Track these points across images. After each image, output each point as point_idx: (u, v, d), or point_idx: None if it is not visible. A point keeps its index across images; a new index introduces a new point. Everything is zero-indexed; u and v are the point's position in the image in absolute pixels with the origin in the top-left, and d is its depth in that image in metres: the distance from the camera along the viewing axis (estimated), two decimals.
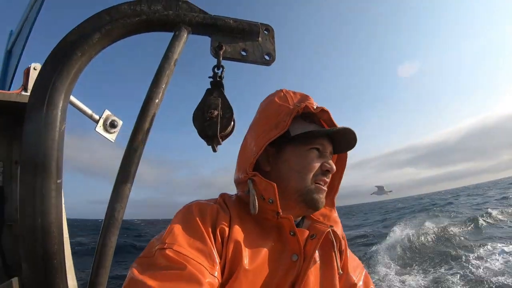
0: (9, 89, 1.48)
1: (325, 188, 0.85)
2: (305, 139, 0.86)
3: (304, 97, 0.90)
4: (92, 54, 1.16)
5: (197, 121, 1.14)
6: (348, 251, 1.00)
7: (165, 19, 1.21)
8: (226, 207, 0.82)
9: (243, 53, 1.29)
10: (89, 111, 1.71)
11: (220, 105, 1.12)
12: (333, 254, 0.87)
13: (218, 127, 0.96)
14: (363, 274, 1.00)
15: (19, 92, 1.32)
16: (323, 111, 0.89)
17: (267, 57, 1.35)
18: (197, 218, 0.74)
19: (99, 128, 1.74)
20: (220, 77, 1.27)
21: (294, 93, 0.91)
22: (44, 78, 1.07)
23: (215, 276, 0.65)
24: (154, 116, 1.08)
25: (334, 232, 0.88)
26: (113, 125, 1.78)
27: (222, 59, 1.26)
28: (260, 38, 1.31)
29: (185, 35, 1.22)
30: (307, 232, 0.84)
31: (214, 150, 0.88)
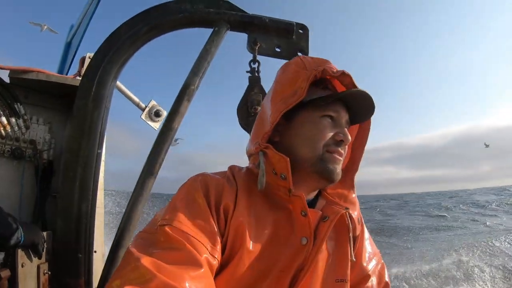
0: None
1: (340, 158, 0.75)
2: (317, 105, 0.76)
3: (323, 61, 0.78)
4: (139, 45, 1.28)
5: (242, 114, 1.33)
6: (366, 237, 0.89)
7: (206, 17, 1.31)
8: (233, 181, 0.74)
9: (277, 49, 1.35)
10: (136, 99, 1.84)
11: (261, 101, 1.22)
12: (348, 239, 0.77)
13: None
14: (379, 265, 0.88)
15: (73, 77, 1.48)
16: (344, 75, 0.77)
17: (300, 54, 1.39)
18: (201, 193, 0.68)
19: (144, 116, 1.87)
20: (258, 71, 1.34)
21: (313, 58, 0.80)
22: (96, 62, 1.20)
23: (215, 257, 0.61)
24: (190, 100, 1.16)
25: (350, 215, 0.77)
26: (157, 114, 1.89)
27: (258, 54, 1.32)
28: (294, 37, 1.37)
29: (224, 31, 1.31)
30: (319, 214, 0.75)
31: None
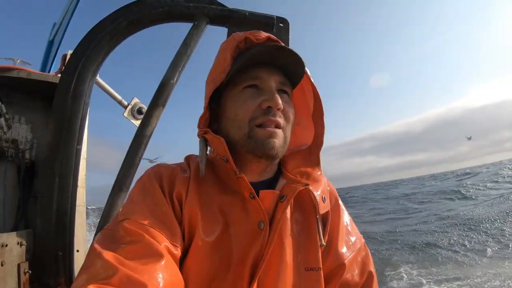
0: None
1: (272, 129, 0.67)
2: (236, 79, 0.69)
3: (252, 32, 0.70)
4: (119, 39, 1.27)
5: None
6: (345, 220, 0.80)
7: (186, 11, 1.31)
8: (188, 169, 0.71)
9: None
10: (119, 97, 1.84)
11: None
12: (316, 221, 0.71)
13: None
14: (362, 253, 0.79)
15: (55, 75, 1.47)
16: (271, 41, 0.69)
17: None
18: (156, 184, 0.66)
19: (127, 114, 1.86)
20: None
21: (246, 31, 0.71)
22: (75, 58, 1.18)
23: (176, 246, 0.59)
24: (169, 94, 1.15)
25: (311, 192, 0.70)
26: (140, 112, 1.88)
27: None
28: (274, 30, 1.37)
29: (203, 25, 1.31)
30: (276, 194, 0.69)
31: None
